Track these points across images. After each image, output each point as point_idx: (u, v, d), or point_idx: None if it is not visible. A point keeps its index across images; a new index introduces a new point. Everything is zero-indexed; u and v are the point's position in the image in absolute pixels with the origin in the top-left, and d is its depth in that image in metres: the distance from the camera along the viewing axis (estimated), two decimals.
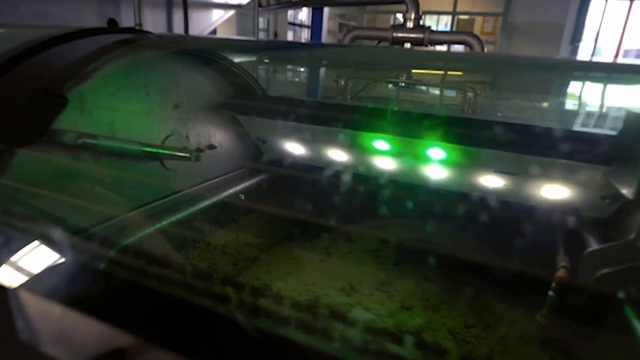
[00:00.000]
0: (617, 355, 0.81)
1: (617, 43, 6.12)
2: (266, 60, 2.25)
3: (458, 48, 2.80)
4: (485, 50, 2.61)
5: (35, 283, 0.52)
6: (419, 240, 1.42)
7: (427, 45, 2.44)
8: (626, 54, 6.75)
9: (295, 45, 2.71)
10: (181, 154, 1.12)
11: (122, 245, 0.91)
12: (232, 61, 1.29)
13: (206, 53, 1.28)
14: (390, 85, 2.43)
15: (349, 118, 1.31)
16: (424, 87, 2.51)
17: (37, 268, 0.54)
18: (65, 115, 0.72)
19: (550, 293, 1.06)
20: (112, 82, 0.90)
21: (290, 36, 8.11)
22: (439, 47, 2.68)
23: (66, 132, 0.72)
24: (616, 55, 6.31)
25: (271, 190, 1.55)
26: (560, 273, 1.05)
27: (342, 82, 2.49)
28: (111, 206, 0.93)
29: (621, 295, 0.79)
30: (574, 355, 0.96)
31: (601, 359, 0.86)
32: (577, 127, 1.37)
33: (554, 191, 1.22)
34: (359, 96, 2.36)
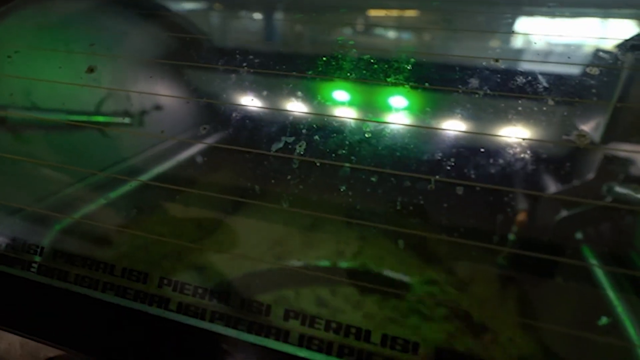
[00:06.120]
0: (574, 296, 0.86)
1: None
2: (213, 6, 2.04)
3: None
4: None
5: None
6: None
7: None
8: None
9: None
10: (122, 120, 1.00)
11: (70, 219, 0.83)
12: (170, 7, 1.13)
13: None
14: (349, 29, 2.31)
15: (308, 70, 1.21)
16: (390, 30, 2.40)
17: None
18: None
19: (511, 236, 1.09)
20: (20, 38, 0.75)
21: None
22: None
23: None
24: None
25: (223, 152, 1.46)
26: (520, 216, 1.07)
27: (297, 28, 2.41)
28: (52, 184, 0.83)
29: (580, 236, 0.82)
30: (532, 296, 1.02)
31: (560, 300, 0.91)
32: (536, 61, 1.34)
33: (511, 130, 1.21)
34: (315, 42, 2.23)
